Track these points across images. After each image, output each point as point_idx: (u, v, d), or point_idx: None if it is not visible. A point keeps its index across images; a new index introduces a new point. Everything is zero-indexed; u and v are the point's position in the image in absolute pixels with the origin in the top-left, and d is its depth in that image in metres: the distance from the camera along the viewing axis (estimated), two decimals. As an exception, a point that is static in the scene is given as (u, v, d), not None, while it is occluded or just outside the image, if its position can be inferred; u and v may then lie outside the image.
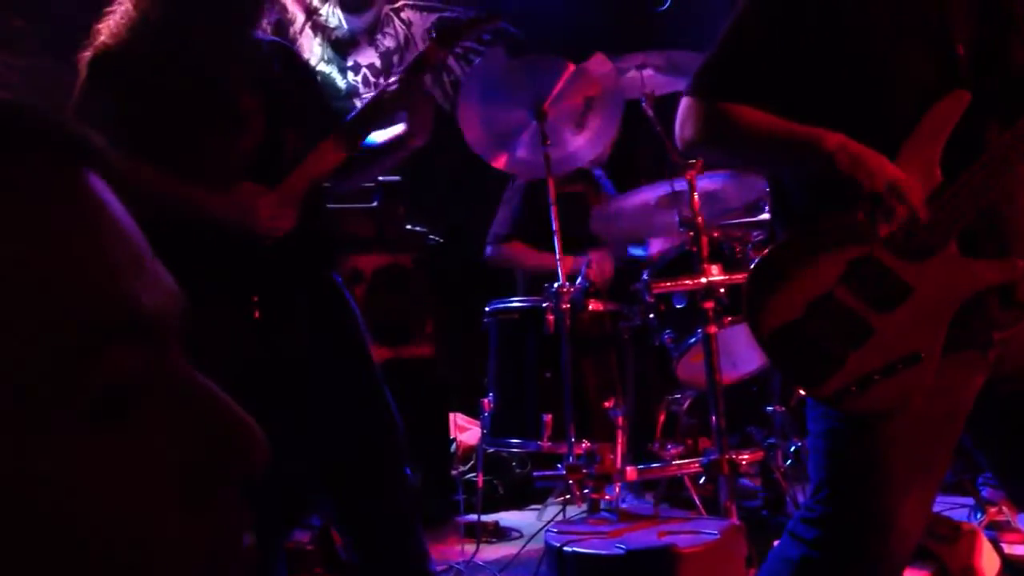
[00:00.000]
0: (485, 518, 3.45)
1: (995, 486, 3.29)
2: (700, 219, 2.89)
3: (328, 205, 2.42)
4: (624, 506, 2.79)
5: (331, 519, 2.30)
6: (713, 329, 2.82)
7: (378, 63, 5.18)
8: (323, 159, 2.13)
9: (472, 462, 3.80)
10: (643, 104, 3.69)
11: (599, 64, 3.30)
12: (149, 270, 0.43)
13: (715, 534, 2.44)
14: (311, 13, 5.06)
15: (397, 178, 3.84)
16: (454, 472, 3.77)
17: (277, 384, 2.03)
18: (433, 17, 5.44)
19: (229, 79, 2.06)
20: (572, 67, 3.23)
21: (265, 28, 2.35)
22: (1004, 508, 3.26)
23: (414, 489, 2.35)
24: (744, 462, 2.87)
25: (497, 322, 3.22)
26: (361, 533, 2.21)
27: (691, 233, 2.91)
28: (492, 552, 3.37)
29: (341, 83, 5.07)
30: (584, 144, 3.33)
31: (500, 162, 3.27)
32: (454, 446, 3.97)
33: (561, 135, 3.27)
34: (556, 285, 3.00)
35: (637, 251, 3.63)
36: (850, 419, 1.56)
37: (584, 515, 2.85)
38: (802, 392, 1.57)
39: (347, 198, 3.54)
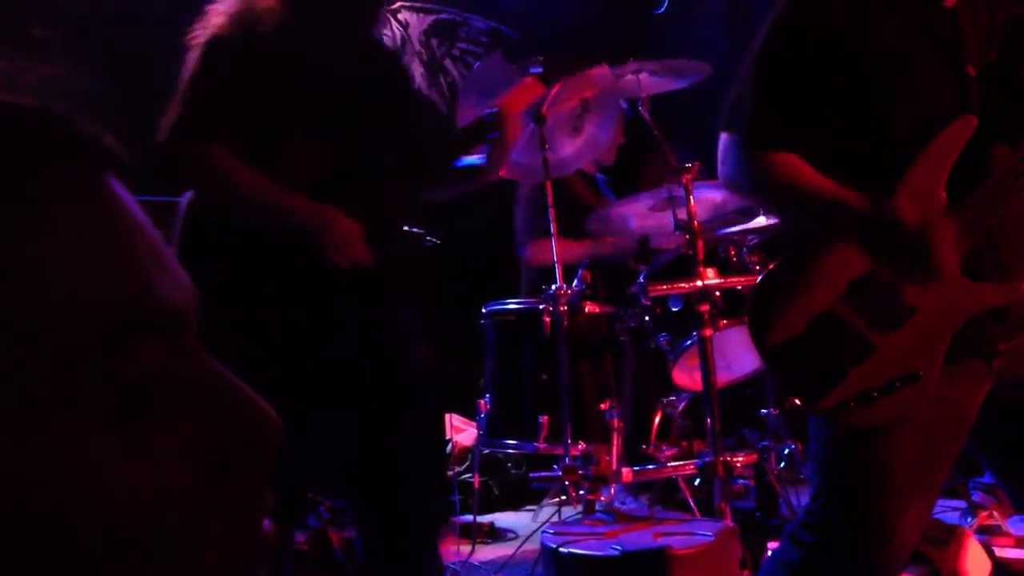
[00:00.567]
0: (481, 519, 3.47)
1: (986, 490, 3.32)
2: (696, 223, 2.91)
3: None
4: (619, 507, 2.80)
5: (355, 518, 2.28)
6: (708, 332, 2.84)
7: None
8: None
9: (468, 463, 3.82)
10: (639, 108, 3.72)
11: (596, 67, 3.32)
12: (167, 266, 0.46)
13: (709, 536, 2.46)
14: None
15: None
16: (450, 473, 3.79)
17: (315, 382, 2.01)
18: (431, 19, 5.45)
19: (345, 81, 2.01)
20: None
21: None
22: (995, 512, 3.29)
23: (443, 508, 2.36)
24: (738, 464, 2.89)
25: (494, 323, 3.24)
26: (382, 538, 2.22)
27: (687, 237, 2.94)
28: (488, 553, 3.39)
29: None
30: (581, 147, 3.35)
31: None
32: (450, 447, 3.99)
33: (558, 138, 3.29)
34: (553, 287, 3.02)
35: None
36: (851, 428, 1.58)
37: (580, 516, 2.86)
38: (802, 406, 1.59)
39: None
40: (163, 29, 2.35)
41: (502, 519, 3.87)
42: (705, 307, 2.85)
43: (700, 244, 2.90)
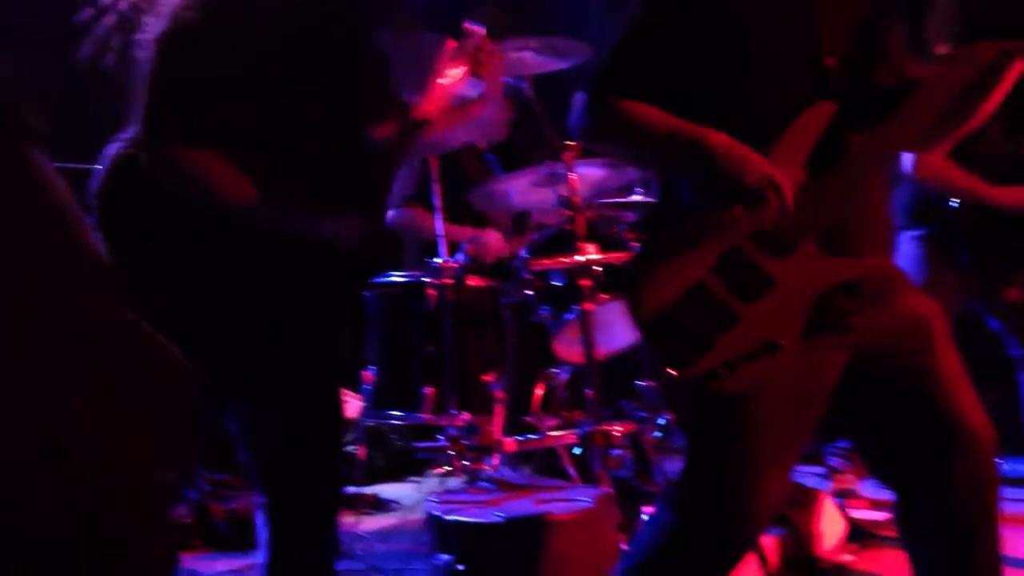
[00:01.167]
0: (365, 490, 3.50)
1: (843, 456, 3.54)
2: (577, 200, 2.99)
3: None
4: (502, 476, 2.88)
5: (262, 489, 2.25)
6: (589, 306, 2.94)
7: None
8: None
9: (352, 435, 3.83)
10: (523, 86, 3.78)
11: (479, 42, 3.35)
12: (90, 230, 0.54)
13: (589, 502, 2.57)
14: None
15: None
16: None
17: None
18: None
19: (348, 82, 1.93)
20: (452, 43, 3.27)
21: None
22: (851, 476, 3.51)
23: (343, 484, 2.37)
24: (617, 434, 3.00)
25: (379, 296, 3.26)
26: (286, 510, 2.22)
27: (569, 213, 3.02)
28: (372, 523, 3.42)
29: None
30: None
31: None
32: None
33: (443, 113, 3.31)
34: (438, 261, 3.06)
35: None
36: (718, 396, 1.69)
37: (464, 485, 2.93)
38: (674, 372, 1.68)
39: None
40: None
41: (386, 490, 3.90)
42: (586, 282, 2.94)
43: (581, 220, 2.99)
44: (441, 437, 2.97)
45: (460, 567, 2.45)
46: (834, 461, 3.56)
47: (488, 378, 3.02)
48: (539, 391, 3.31)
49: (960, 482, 1.69)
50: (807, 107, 1.65)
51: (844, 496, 3.38)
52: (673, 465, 3.26)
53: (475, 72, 2.17)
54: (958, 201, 3.22)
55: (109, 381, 0.52)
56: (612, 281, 3.03)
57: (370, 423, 3.31)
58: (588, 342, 2.92)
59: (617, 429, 2.99)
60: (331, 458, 2.22)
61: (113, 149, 1.99)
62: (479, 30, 2.22)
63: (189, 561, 3.04)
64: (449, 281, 3.03)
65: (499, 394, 2.99)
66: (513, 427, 3.09)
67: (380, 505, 3.72)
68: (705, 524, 1.75)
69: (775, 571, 2.78)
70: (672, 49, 1.69)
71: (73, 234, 0.50)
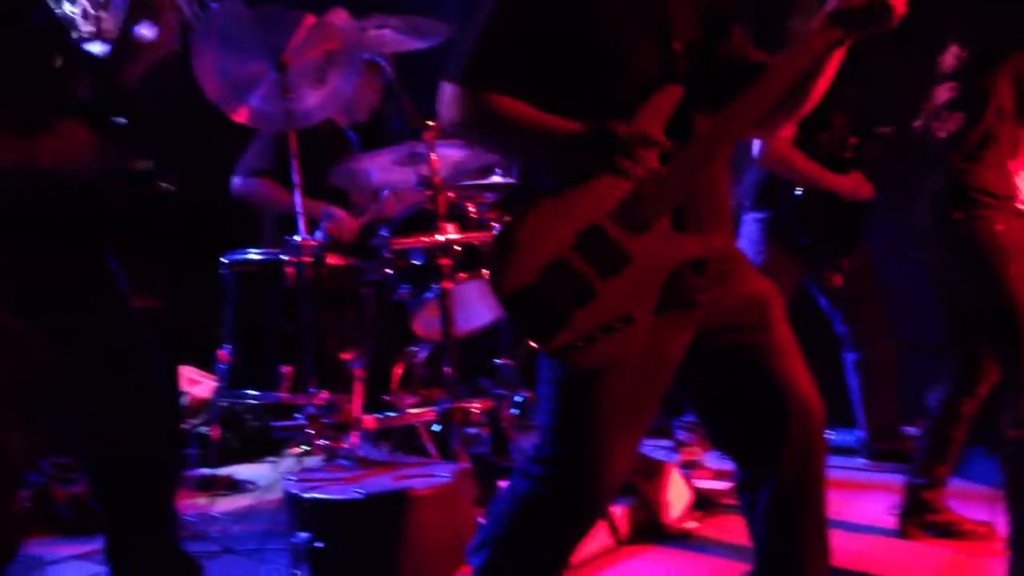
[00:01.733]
0: (220, 471, 3.44)
1: (689, 429, 3.70)
2: (438, 179, 3.01)
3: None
4: (361, 454, 2.89)
5: (90, 476, 2.20)
6: (448, 285, 2.97)
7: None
8: None
9: (204, 415, 3.75)
10: (383, 64, 3.76)
11: (339, 18, 3.32)
12: None
13: (447, 477, 2.61)
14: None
15: (122, 121, 3.65)
16: (185, 426, 3.70)
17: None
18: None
19: None
20: (311, 19, 3.23)
21: None
22: (696, 449, 3.68)
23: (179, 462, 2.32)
24: (475, 411, 3.06)
25: (235, 274, 3.20)
26: (114, 495, 2.17)
27: (429, 192, 3.04)
28: (227, 504, 3.37)
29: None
30: (325, 98, 3.34)
31: (241, 115, 3.22)
32: (185, 399, 3.90)
33: (302, 88, 3.27)
34: (297, 238, 3.02)
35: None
36: (575, 370, 1.75)
37: (322, 464, 2.92)
38: (535, 345, 1.73)
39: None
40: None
41: (242, 471, 3.84)
42: (446, 261, 2.97)
43: (441, 200, 3.01)
44: (299, 416, 2.94)
45: (319, 544, 2.45)
46: (681, 434, 3.73)
47: (347, 356, 3.01)
48: (399, 370, 3.32)
49: (792, 450, 1.81)
50: (656, 90, 1.73)
51: (690, 467, 3.54)
52: (529, 441, 3.35)
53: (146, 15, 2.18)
54: (802, 189, 3.41)
55: None
56: (471, 261, 3.07)
57: (224, 403, 3.25)
58: (447, 320, 2.96)
59: (475, 406, 3.05)
60: (158, 430, 2.19)
61: None
62: None
63: (32, 547, 2.92)
64: (308, 259, 3.00)
65: (358, 372, 2.99)
66: (372, 405, 3.09)
67: (235, 486, 3.65)
68: (559, 492, 1.82)
69: (624, 538, 2.91)
70: (533, 38, 1.74)
71: None
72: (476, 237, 3.06)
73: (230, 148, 3.94)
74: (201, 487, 3.38)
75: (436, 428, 3.17)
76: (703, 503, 3.21)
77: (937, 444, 2.87)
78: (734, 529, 2.87)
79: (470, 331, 3.44)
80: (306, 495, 2.51)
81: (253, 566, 2.82)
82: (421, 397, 3.14)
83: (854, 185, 3.44)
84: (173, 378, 3.75)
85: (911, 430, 3.76)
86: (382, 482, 2.59)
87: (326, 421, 2.88)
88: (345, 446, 2.89)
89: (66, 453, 3.18)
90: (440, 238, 2.98)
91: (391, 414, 3.10)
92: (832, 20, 1.70)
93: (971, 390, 2.81)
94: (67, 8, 2.32)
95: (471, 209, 3.17)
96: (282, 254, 3.06)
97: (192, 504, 3.25)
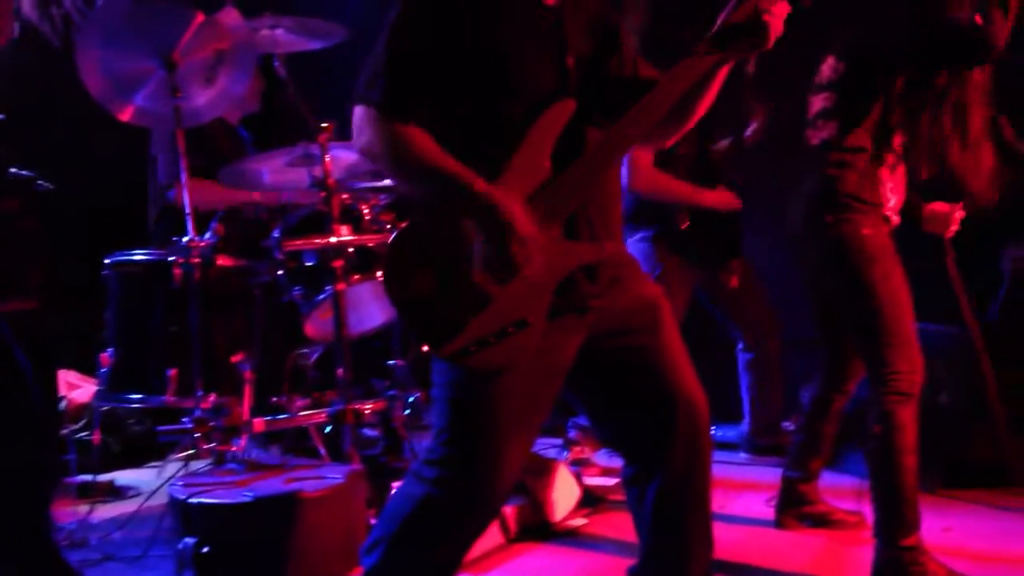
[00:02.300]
0: (100, 478, 3.33)
1: (580, 429, 3.78)
2: (331, 181, 3.00)
3: None
4: (250, 457, 2.85)
5: None
6: (342, 286, 2.96)
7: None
8: None
9: (84, 420, 3.63)
10: (276, 64, 3.72)
11: (230, 17, 3.28)
12: None
13: (339, 478, 2.60)
14: None
15: (1, 116, 3.51)
16: (64, 431, 3.58)
17: None
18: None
19: None
20: (201, 17, 3.18)
21: None
22: (586, 448, 3.76)
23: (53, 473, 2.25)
24: (367, 412, 3.05)
25: (118, 275, 3.11)
26: None
27: (323, 194, 3.02)
28: (108, 511, 3.26)
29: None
30: (215, 98, 3.29)
31: (127, 114, 3.14)
32: (64, 404, 3.76)
33: (191, 87, 3.21)
34: (185, 239, 2.96)
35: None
36: (468, 373, 1.77)
37: (209, 468, 2.87)
38: (429, 350, 1.75)
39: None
40: None
41: (124, 476, 3.73)
42: (339, 262, 2.96)
43: (335, 201, 3.00)
44: (186, 419, 2.89)
45: (205, 549, 2.41)
46: (572, 434, 3.80)
47: (236, 359, 2.96)
48: (289, 371, 3.28)
49: (680, 447, 1.87)
50: (549, 104, 1.77)
51: (580, 465, 3.61)
52: (422, 442, 3.36)
53: None
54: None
55: None
56: (365, 262, 3.06)
57: (105, 407, 3.16)
58: (340, 322, 2.95)
59: (367, 407, 3.04)
60: (30, 436, 2.13)
61: None
62: None
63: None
64: (196, 260, 2.95)
65: (248, 374, 2.95)
66: (262, 408, 3.05)
67: (116, 492, 3.55)
68: (453, 494, 1.83)
69: (514, 536, 2.95)
70: (435, 56, 1.76)
71: None
72: (370, 239, 3.05)
73: (112, 146, 3.83)
74: (81, 494, 3.27)
75: (327, 430, 3.15)
76: (592, 500, 3.27)
77: (810, 439, 3.00)
78: (622, 525, 2.95)
79: (363, 332, 3.43)
80: (192, 500, 2.47)
81: (136, 573, 2.75)
82: (313, 399, 3.11)
83: (725, 199, 3.58)
84: (49, 383, 3.64)
85: (789, 425, 3.92)
86: (272, 485, 2.56)
87: (214, 424, 2.83)
88: (234, 449, 2.85)
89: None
90: (333, 239, 2.96)
91: (281, 416, 3.07)
92: (714, 41, 1.78)
93: (840, 387, 2.95)
94: None
95: (365, 211, 3.16)
96: (169, 255, 3.00)
97: (72, 511, 3.14)
